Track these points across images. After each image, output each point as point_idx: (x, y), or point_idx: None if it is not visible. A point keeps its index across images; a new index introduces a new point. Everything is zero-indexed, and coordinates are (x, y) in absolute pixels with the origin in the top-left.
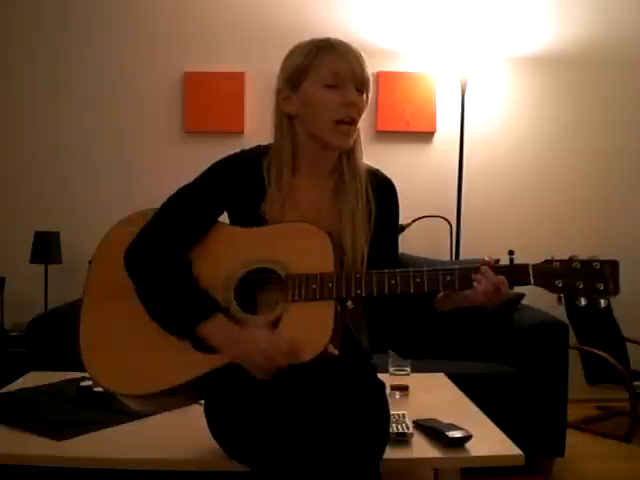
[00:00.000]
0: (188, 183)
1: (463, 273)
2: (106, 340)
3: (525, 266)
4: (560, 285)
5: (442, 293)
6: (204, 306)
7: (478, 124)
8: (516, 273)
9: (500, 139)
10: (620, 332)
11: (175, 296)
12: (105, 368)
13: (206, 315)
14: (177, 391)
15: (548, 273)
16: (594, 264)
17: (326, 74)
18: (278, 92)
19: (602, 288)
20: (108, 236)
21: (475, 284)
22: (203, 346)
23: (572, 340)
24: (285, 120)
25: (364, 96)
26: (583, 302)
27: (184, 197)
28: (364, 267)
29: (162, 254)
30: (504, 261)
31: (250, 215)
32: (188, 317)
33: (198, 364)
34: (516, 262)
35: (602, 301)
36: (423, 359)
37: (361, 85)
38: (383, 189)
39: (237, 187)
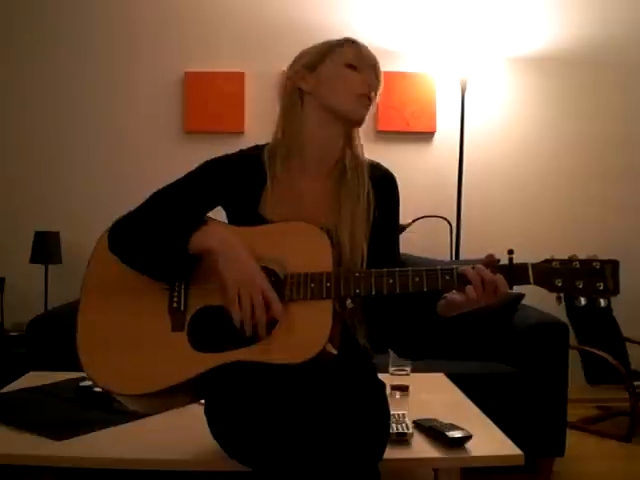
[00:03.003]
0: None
1: (462, 272)
2: (104, 339)
3: (524, 265)
4: (560, 284)
5: (443, 301)
6: (192, 221)
7: (478, 124)
8: (515, 272)
9: (500, 139)
10: (620, 332)
11: (162, 226)
12: (103, 368)
13: (196, 226)
14: (176, 390)
15: (548, 272)
16: (594, 264)
17: (349, 56)
18: (295, 74)
19: (602, 288)
20: (105, 236)
21: (468, 287)
22: (202, 344)
23: (572, 340)
24: (298, 98)
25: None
26: (583, 302)
27: (176, 185)
28: (364, 264)
29: (145, 225)
30: (504, 261)
31: (248, 213)
32: (178, 235)
33: (197, 363)
34: (516, 262)
35: (602, 301)
36: (423, 359)
37: (376, 81)
38: (384, 183)
39: (234, 185)
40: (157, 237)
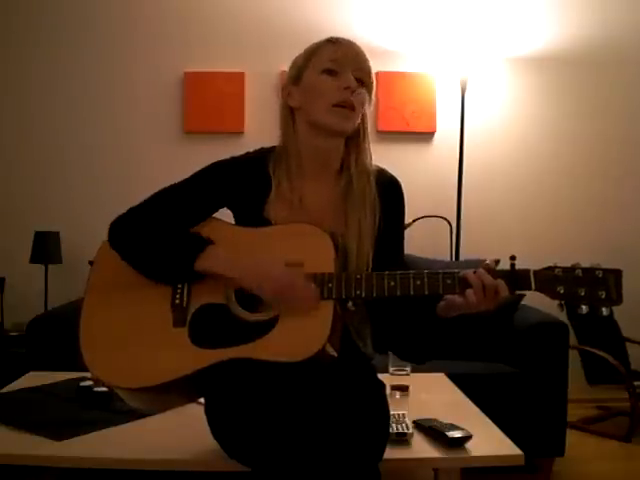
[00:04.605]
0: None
1: (463, 276)
2: (106, 336)
3: (526, 271)
4: (562, 292)
5: (442, 302)
6: (197, 242)
7: (478, 124)
8: (517, 278)
9: (500, 139)
10: (620, 332)
11: (166, 244)
12: (105, 364)
13: (201, 248)
14: (176, 386)
15: (550, 279)
16: (597, 272)
17: (324, 60)
18: (283, 89)
19: (604, 296)
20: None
21: (468, 290)
22: (202, 339)
23: (572, 340)
24: (289, 115)
25: (365, 89)
26: (584, 310)
27: (181, 185)
28: (369, 271)
29: (148, 223)
30: (504, 260)
31: (254, 216)
32: (184, 256)
33: (197, 359)
34: (517, 266)
35: (604, 309)
36: (425, 362)
37: (361, 74)
38: (389, 189)
39: (240, 187)
40: (160, 250)
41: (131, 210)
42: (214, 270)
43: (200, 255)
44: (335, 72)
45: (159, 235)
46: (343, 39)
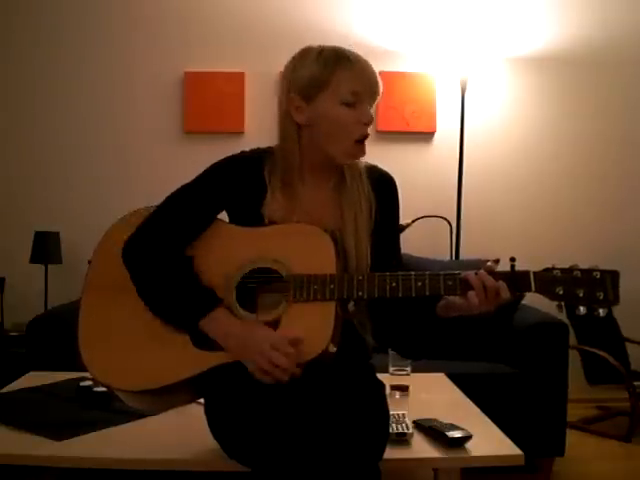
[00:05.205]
0: (188, 182)
1: (464, 277)
2: (106, 336)
3: (526, 273)
4: (561, 293)
5: (442, 302)
6: (205, 300)
7: (478, 124)
8: (517, 279)
9: (500, 139)
10: (620, 332)
11: (176, 289)
12: (105, 364)
13: (208, 310)
14: (177, 388)
15: (549, 280)
16: (594, 273)
17: (345, 92)
18: (289, 100)
19: (602, 297)
20: (108, 234)
21: (470, 292)
22: (203, 341)
23: (572, 340)
24: (293, 128)
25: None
26: (582, 311)
27: (184, 194)
28: (368, 269)
29: (161, 247)
30: (504, 261)
31: (251, 216)
32: (190, 311)
33: (197, 362)
34: (517, 267)
35: (601, 310)
36: (423, 359)
37: (374, 100)
38: (382, 184)
39: (237, 188)
40: (169, 295)
41: (142, 228)
42: (214, 336)
43: (205, 317)
44: (354, 104)
45: (170, 274)
46: (359, 61)
